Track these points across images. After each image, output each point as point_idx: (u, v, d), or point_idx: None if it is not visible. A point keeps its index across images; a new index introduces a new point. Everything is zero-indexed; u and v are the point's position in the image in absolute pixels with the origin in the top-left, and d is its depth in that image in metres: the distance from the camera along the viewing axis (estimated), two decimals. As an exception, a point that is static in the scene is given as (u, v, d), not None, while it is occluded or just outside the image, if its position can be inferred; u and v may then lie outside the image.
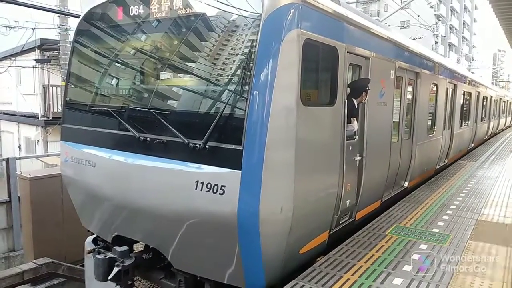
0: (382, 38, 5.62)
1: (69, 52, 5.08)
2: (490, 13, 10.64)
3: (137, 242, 4.71)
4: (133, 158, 4.06)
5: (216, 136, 3.44)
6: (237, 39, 3.63)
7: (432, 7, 51.37)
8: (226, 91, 3.60)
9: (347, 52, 4.46)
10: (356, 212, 5.20)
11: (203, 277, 4.02)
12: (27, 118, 17.92)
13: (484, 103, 15.79)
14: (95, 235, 5.20)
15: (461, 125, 11.43)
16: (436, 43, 48.74)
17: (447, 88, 9.36)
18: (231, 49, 3.67)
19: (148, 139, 3.91)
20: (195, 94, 3.97)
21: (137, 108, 4.29)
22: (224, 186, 3.39)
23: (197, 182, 3.50)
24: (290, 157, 3.61)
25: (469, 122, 12.78)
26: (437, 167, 9.44)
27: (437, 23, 46.14)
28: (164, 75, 4.22)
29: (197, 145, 3.49)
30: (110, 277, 4.20)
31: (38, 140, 17.47)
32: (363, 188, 5.16)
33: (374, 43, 5.27)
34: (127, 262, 4.24)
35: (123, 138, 4.20)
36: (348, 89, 4.64)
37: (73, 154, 4.76)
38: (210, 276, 3.96)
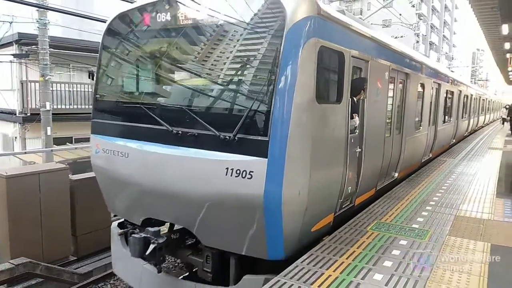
0: (379, 43, 6.16)
1: (98, 53, 5.47)
2: (470, 12, 10.85)
3: (163, 224, 5.10)
4: (166, 149, 4.51)
5: (244, 129, 3.97)
6: (263, 46, 4.14)
7: (413, 6, 52.08)
8: (254, 90, 4.10)
9: (351, 56, 5.01)
10: (355, 198, 5.75)
11: (230, 251, 4.51)
12: (5, 115, 17.48)
13: (465, 101, 16.48)
14: (120, 220, 5.79)
15: (444, 122, 12.03)
16: (417, 42, 49.48)
17: (432, 87, 9.98)
18: (258, 54, 4.18)
19: (180, 132, 4.38)
20: (225, 93, 4.43)
21: (171, 105, 4.77)
22: (252, 172, 3.92)
23: (227, 168, 4.02)
24: (307, 148, 4.18)
25: (451, 119, 13.35)
26: (423, 160, 10.02)
27: (418, 22, 46.86)
28: (196, 76, 4.65)
29: (228, 137, 4.00)
30: (147, 253, 4.61)
31: (15, 137, 17.07)
32: (362, 177, 5.69)
33: (372, 47, 5.85)
34: (160, 241, 4.67)
35: (156, 131, 4.61)
36: (348, 87, 5.06)
37: (104, 146, 5.17)
38: (236, 250, 4.43)
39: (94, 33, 17.36)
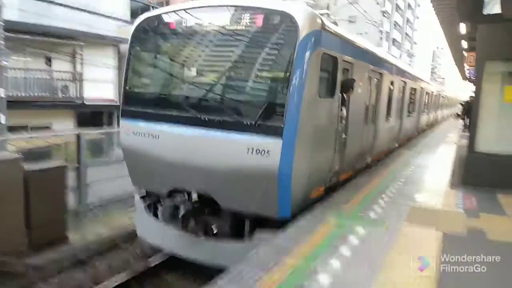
0: (361, 49, 7.40)
1: (128, 51, 6.31)
2: (431, 11, 11.24)
3: (184, 195, 5.87)
4: (195, 131, 5.41)
5: (263, 115, 4.95)
6: (281, 53, 5.13)
7: (378, 3, 53.38)
8: (273, 86, 5.20)
9: (342, 60, 6.15)
10: (340, 175, 6.91)
11: (246, 213, 5.50)
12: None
13: (426, 97, 17.82)
14: (142, 194, 6.82)
15: (409, 115, 13.27)
16: (381, 38, 50.89)
17: (399, 85, 11.15)
18: (277, 59, 5.17)
19: (208, 118, 5.29)
20: (249, 88, 5.39)
21: (203, 96, 5.51)
22: (269, 150, 4.93)
23: (248, 147, 5.02)
24: (311, 132, 5.32)
25: (414, 113, 14.52)
26: (392, 148, 11.45)
27: (382, 19, 48.11)
28: (226, 74, 5.56)
29: (251, 123, 4.98)
30: (180, 215, 5.74)
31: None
32: (345, 158, 6.89)
33: (356, 52, 6.96)
34: (188, 206, 5.69)
35: (183, 117, 5.53)
36: (340, 86, 6.21)
37: (135, 129, 6.02)
38: (253, 211, 5.41)
39: (53, 18, 16.65)
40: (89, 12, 10.58)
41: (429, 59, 75.60)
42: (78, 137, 10.21)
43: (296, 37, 4.95)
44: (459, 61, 20.79)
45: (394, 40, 64.29)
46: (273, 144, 4.91)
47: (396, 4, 64.16)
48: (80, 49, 18.42)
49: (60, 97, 18.12)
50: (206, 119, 5.29)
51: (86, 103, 18.76)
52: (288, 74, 4.97)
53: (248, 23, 5.24)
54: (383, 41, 51.82)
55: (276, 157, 4.91)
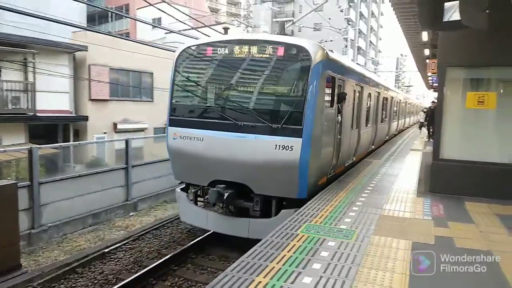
0: (348, 68, 9.64)
1: (172, 72, 8.25)
2: (394, 19, 11.68)
3: (224, 184, 7.61)
4: (234, 134, 7.34)
5: (287, 121, 7.02)
6: (298, 76, 7.28)
7: (342, 11, 54.94)
8: (293, 100, 7.22)
9: (338, 79, 8.30)
10: (336, 169, 9.00)
11: (274, 195, 7.47)
12: None
13: (396, 105, 20.21)
14: (181, 186, 8.81)
15: (382, 122, 15.37)
16: (346, 46, 52.29)
17: (374, 95, 13.19)
18: (296, 80, 7.32)
19: (243, 124, 7.27)
20: (274, 101, 7.48)
21: (239, 108, 7.49)
22: (292, 146, 6.96)
23: (276, 145, 7.03)
24: (320, 133, 7.43)
25: (386, 119, 16.55)
26: (369, 150, 13.63)
27: (347, 27, 49.49)
28: (254, 90, 7.61)
29: (277, 127, 7.04)
30: (224, 198, 7.44)
31: None
32: (340, 155, 9.01)
33: (345, 71, 9.00)
34: (229, 192, 7.48)
35: (223, 123, 7.46)
36: (336, 98, 8.30)
37: (181, 134, 7.90)
38: (279, 194, 7.43)
39: (1, 24, 15.97)
40: (41, 18, 10.23)
41: (393, 67, 78.35)
42: (30, 152, 9.78)
43: (310, 64, 7.08)
44: (422, 69, 21.74)
45: (359, 48, 66.27)
46: (295, 142, 6.95)
47: (360, 12, 66.29)
48: (32, 57, 17.75)
49: (10, 109, 17.33)
50: (243, 125, 7.28)
51: (39, 115, 18.02)
52: (304, 91, 7.07)
53: (272, 53, 7.32)
54: (349, 48, 53.25)
55: (298, 151, 6.93)
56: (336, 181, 8.67)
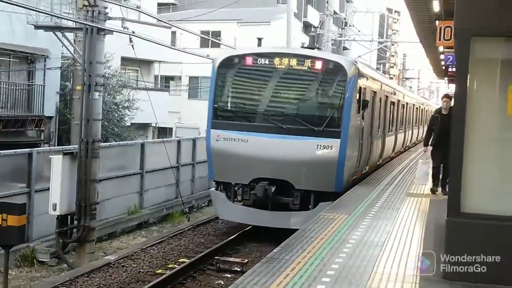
0: (377, 80, 12.71)
1: (213, 79, 10.14)
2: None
3: (264, 182, 9.26)
4: (278, 136, 9.36)
5: (327, 125, 9.36)
6: (336, 87, 9.84)
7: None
8: (332, 107, 9.74)
9: (363, 88, 10.52)
10: (357, 172, 10.86)
11: (313, 190, 9.42)
12: None
13: (417, 112, 22.33)
14: (214, 187, 10.58)
15: (404, 130, 17.80)
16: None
17: (402, 105, 16.03)
18: (335, 91, 9.85)
19: (285, 126, 9.36)
20: (316, 108, 10.19)
21: (284, 113, 9.79)
22: (332, 146, 9.20)
23: (317, 145, 9.26)
24: (353, 136, 9.78)
25: (408, 126, 18.91)
26: (392, 155, 15.87)
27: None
28: (297, 98, 10.30)
29: (319, 129, 9.26)
30: (270, 193, 9.14)
31: None
32: (361, 159, 10.93)
33: (373, 82, 11.91)
34: (272, 188, 9.20)
35: (267, 126, 9.56)
36: (361, 104, 10.37)
37: (224, 136, 9.61)
38: (318, 188, 9.42)
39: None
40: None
41: (375, 30, 47.71)
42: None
43: (346, 77, 9.46)
44: (428, 39, 12.88)
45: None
46: (334, 142, 9.16)
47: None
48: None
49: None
50: (287, 128, 9.34)
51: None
52: (341, 99, 9.49)
53: (311, 66, 9.47)
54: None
55: (336, 150, 9.13)
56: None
